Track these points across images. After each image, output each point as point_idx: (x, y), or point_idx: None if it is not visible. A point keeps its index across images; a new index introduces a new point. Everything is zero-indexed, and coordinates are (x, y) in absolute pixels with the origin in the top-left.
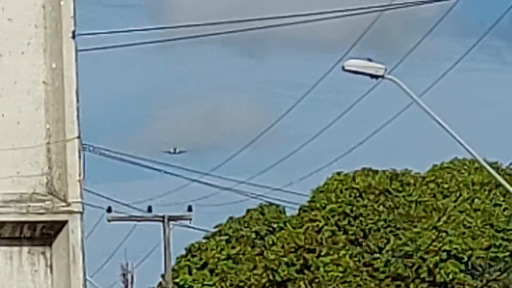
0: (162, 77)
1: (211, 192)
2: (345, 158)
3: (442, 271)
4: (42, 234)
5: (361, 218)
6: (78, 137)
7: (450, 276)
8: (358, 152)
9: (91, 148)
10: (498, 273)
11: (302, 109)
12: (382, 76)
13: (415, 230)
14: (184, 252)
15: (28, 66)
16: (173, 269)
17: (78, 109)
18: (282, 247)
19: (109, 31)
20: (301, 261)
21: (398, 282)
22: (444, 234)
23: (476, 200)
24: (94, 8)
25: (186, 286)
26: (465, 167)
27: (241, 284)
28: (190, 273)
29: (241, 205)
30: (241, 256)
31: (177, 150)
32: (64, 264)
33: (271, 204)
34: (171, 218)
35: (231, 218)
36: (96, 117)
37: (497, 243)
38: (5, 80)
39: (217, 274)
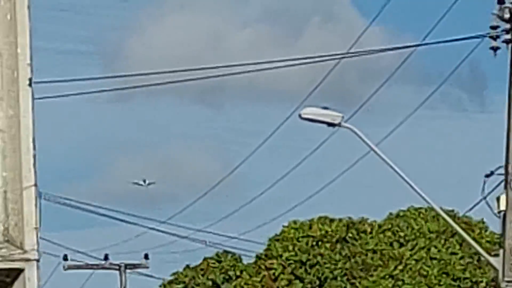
0: (119, 125)
1: (168, 240)
2: (301, 206)
3: None
4: None
5: (317, 267)
6: (35, 184)
7: None
8: (315, 200)
9: (47, 196)
10: None
11: (259, 157)
12: (339, 124)
13: (371, 279)
14: None
15: None
16: None
17: (34, 156)
18: None
19: (65, 80)
20: None
21: None
22: (400, 283)
23: (432, 249)
24: (50, 56)
25: None
26: (421, 215)
27: None
28: None
29: (198, 253)
30: None
31: (147, 182)
32: None
33: (228, 252)
34: (128, 266)
35: (187, 266)
36: (52, 165)
37: None
38: None
39: None
